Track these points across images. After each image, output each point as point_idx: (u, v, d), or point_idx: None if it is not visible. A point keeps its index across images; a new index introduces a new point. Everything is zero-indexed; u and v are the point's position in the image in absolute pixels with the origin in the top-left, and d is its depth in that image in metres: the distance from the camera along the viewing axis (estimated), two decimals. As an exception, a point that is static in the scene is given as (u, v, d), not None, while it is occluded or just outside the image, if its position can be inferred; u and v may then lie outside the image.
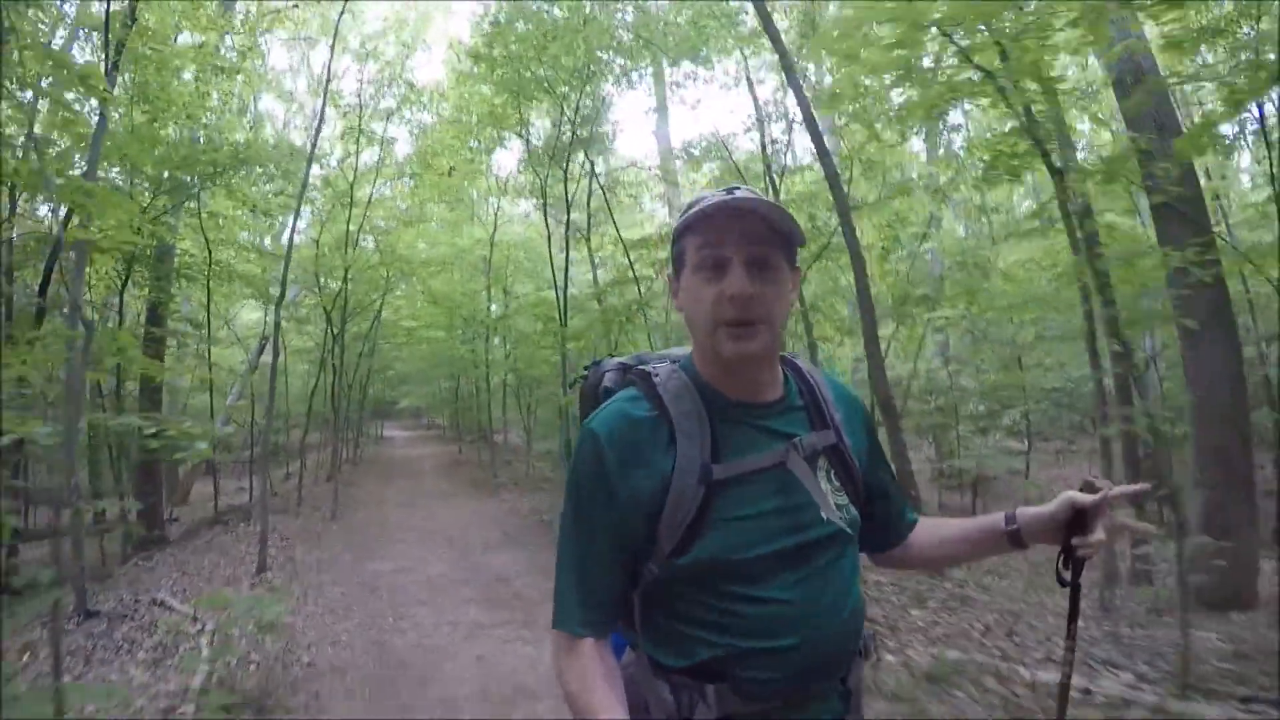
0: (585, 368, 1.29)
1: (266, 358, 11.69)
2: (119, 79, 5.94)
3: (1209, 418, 4.95)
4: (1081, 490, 1.04)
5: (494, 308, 15.57)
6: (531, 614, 4.84)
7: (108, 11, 5.54)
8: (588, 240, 10.54)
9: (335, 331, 11.20)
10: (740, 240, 0.98)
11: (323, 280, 10.94)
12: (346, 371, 12.76)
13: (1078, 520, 1.04)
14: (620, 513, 0.98)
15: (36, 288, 6.79)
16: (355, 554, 7.02)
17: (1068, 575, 1.07)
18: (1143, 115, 5.01)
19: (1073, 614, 1.11)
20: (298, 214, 8.68)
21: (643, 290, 8.04)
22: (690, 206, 1.03)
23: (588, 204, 10.34)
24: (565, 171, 8.92)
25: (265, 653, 4.06)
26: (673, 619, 1.00)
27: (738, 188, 1.00)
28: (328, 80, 8.74)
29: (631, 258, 8.12)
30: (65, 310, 7.21)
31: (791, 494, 1.00)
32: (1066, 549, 1.05)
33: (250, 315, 17.59)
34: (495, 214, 13.22)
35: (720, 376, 1.04)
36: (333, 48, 8.93)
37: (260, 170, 8.41)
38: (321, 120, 8.42)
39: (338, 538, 7.86)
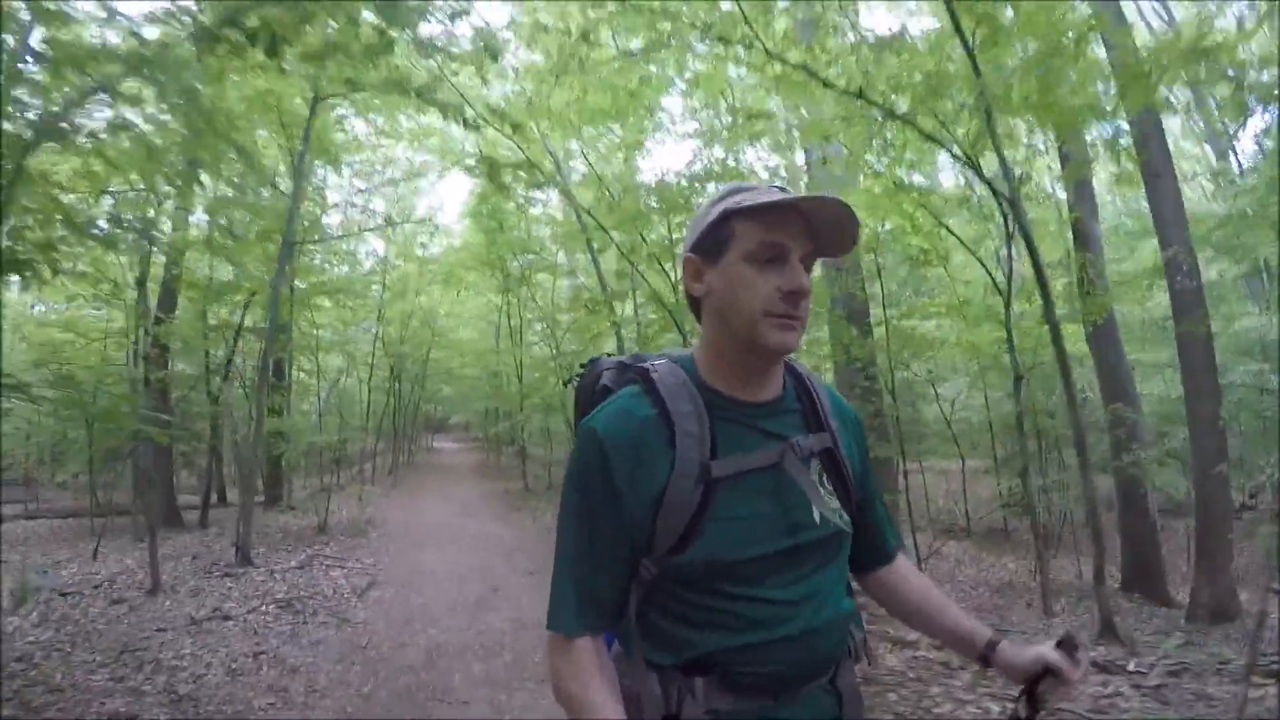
0: (581, 365, 1.24)
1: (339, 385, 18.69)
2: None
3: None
4: (1059, 646, 1.05)
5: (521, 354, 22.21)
6: (478, 518, 11.29)
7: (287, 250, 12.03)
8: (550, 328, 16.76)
9: (396, 373, 17.84)
10: (799, 236, 0.97)
11: (386, 342, 17.63)
12: (403, 399, 19.38)
13: (1045, 673, 1.05)
14: (625, 513, 0.97)
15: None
16: (405, 500, 13.52)
17: (1023, 712, 1.07)
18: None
19: None
20: (380, 316, 15.22)
21: (563, 368, 14.18)
22: (734, 192, 1.00)
23: (552, 300, 16.58)
24: (520, 298, 15.36)
25: (366, 516, 10.56)
26: (667, 617, 1.00)
27: (786, 188, 0.99)
28: (389, 237, 15.38)
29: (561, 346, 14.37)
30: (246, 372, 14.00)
31: (786, 495, 1.00)
32: (1030, 692, 1.06)
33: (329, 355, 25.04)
34: (504, 294, 19.66)
35: (728, 372, 1.03)
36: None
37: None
38: (385, 263, 15.04)
39: (397, 496, 14.37)
